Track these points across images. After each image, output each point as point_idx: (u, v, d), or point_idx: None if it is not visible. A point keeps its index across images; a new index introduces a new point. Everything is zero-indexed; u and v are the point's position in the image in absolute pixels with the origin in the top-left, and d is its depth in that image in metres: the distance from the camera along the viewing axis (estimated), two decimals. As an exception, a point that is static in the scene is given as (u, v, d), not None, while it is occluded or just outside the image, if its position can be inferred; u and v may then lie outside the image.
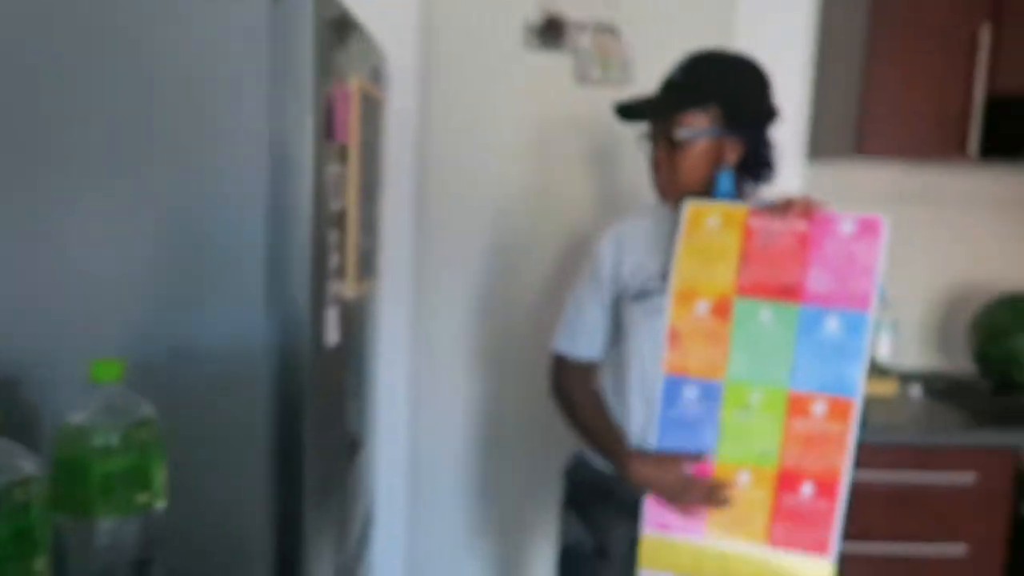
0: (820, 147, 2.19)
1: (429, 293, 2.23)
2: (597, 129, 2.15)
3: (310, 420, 1.12)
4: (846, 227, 1.20)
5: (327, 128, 1.15)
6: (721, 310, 1.24)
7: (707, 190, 1.32)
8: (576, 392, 1.41)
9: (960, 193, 2.29)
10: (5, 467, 0.69)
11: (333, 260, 1.20)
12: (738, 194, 1.33)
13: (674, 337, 1.26)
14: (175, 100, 1.06)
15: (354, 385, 1.47)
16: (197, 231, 1.08)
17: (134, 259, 1.08)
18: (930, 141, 1.97)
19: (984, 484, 1.80)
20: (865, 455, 1.78)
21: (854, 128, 1.98)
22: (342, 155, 1.23)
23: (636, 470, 1.27)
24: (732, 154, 1.31)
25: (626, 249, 1.37)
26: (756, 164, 1.34)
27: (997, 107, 1.93)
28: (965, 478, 1.79)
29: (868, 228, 1.20)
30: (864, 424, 1.19)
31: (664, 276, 1.30)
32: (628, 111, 1.35)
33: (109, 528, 0.86)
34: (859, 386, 1.19)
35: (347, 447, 1.43)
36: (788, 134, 2.20)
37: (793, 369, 1.21)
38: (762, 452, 1.23)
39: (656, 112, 1.32)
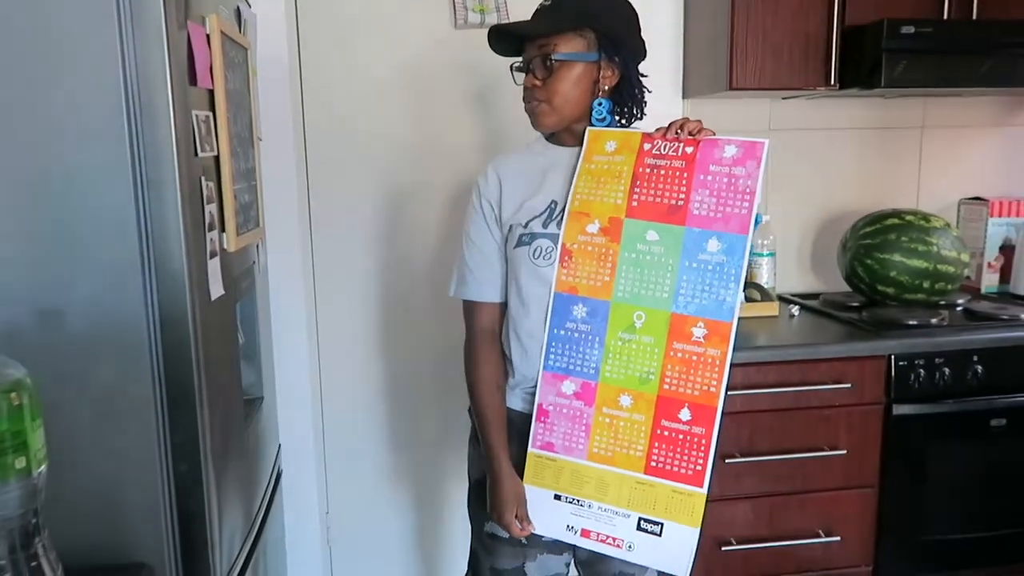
0: (694, 85, 2.27)
1: (321, 246, 2.19)
2: (477, 72, 2.15)
3: (200, 374, 1.09)
4: (729, 150, 1.22)
5: (189, 74, 1.10)
6: (611, 231, 1.26)
7: (583, 119, 1.33)
8: (481, 361, 1.38)
9: (825, 121, 2.42)
10: None
11: (210, 211, 1.16)
12: (612, 125, 1.34)
13: (565, 255, 1.28)
14: (15, 46, 0.99)
15: (247, 340, 1.43)
16: (57, 188, 1.02)
17: (-12, 221, 1.01)
18: (795, 74, 2.07)
19: (860, 391, 1.94)
20: (751, 374, 1.90)
21: (725, 65, 2.06)
22: (209, 102, 1.19)
23: (501, 487, 1.33)
24: (607, 82, 1.31)
25: (506, 182, 1.36)
26: (630, 98, 1.34)
27: (852, 38, 2.04)
28: (843, 387, 1.92)
29: (750, 151, 1.22)
30: (735, 348, 1.23)
31: (549, 217, 1.31)
32: (503, 35, 1.33)
33: (-15, 496, 0.82)
34: (736, 309, 1.22)
35: (245, 403, 1.40)
36: (664, 74, 2.27)
37: (676, 291, 1.23)
38: (644, 375, 1.25)
39: (533, 30, 1.29)
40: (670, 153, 1.25)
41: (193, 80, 1.11)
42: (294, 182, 2.11)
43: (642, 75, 1.36)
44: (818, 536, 1.99)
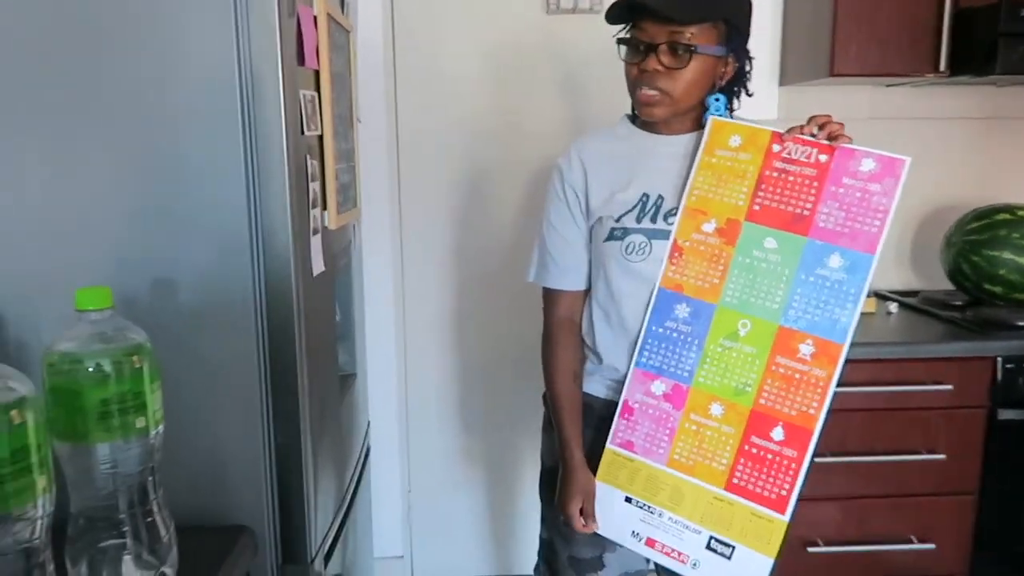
0: (793, 71, 2.19)
1: (409, 227, 2.22)
2: (566, 58, 2.14)
3: (301, 348, 1.12)
4: (866, 164, 1.15)
5: (298, 54, 1.12)
6: (728, 232, 1.20)
7: (691, 111, 1.26)
8: (559, 349, 1.34)
9: (931, 110, 2.31)
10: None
11: (314, 189, 1.18)
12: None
13: (676, 251, 1.23)
14: (137, 31, 1.03)
15: (342, 318, 1.46)
16: (172, 163, 1.06)
17: (112, 194, 1.06)
18: (901, 59, 1.97)
19: (961, 393, 1.85)
20: (848, 372, 1.83)
21: (826, 50, 1.98)
22: (315, 83, 1.21)
23: (571, 478, 1.29)
24: (725, 76, 1.25)
25: (591, 169, 1.29)
26: (737, 90, 1.30)
27: (964, 21, 1.94)
28: (943, 389, 1.84)
29: (889, 168, 1.14)
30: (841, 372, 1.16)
31: (642, 211, 1.25)
32: (629, 7, 1.19)
33: (109, 453, 0.86)
34: (851, 332, 1.15)
35: (340, 379, 1.43)
36: (762, 59, 2.20)
37: (788, 303, 1.17)
38: (740, 386, 1.19)
39: (680, 15, 1.17)
40: (801, 159, 1.19)
41: (301, 60, 1.13)
42: (386, 164, 2.14)
43: (751, 65, 1.29)
44: (910, 542, 1.91)
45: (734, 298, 1.20)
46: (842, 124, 1.18)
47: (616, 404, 1.29)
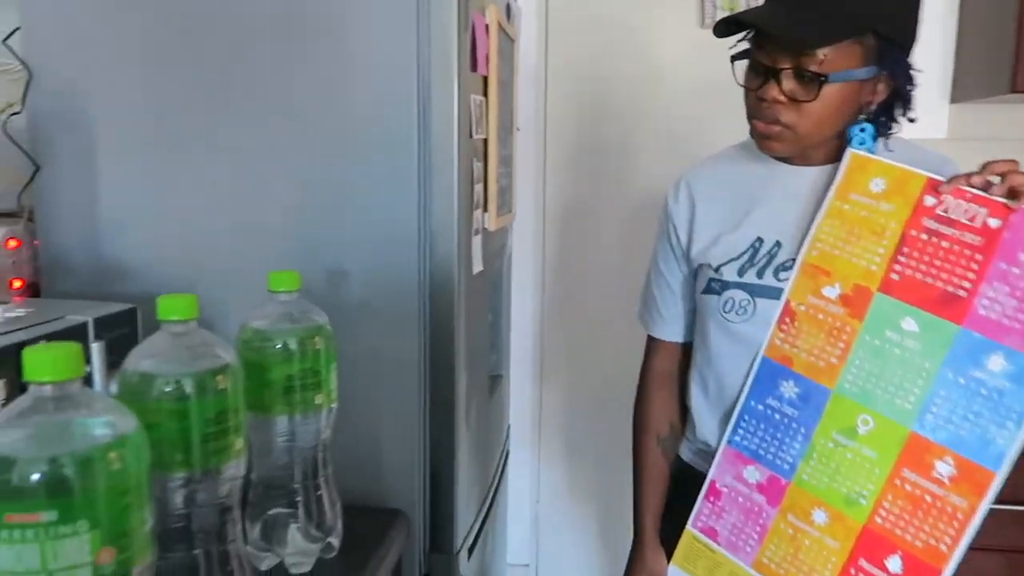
0: (967, 85, 2.05)
1: (553, 239, 2.25)
2: (723, 74, 2.10)
3: (459, 344, 1.16)
4: None
5: (471, 60, 1.17)
6: (855, 301, 0.96)
7: (827, 142, 1.02)
8: (648, 407, 1.19)
9: None
10: (208, 355, 0.75)
11: (477, 190, 1.22)
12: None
13: (787, 315, 1.00)
14: (327, 39, 1.11)
15: (493, 319, 1.50)
16: (352, 161, 1.12)
17: (293, 191, 1.14)
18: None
19: None
20: None
21: (1008, 63, 1.84)
22: (483, 88, 1.26)
23: (639, 557, 1.17)
24: (877, 97, 0.99)
25: (700, 205, 1.10)
26: (892, 116, 1.03)
27: None
28: None
29: None
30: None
31: (750, 262, 1.04)
32: (740, 26, 0.98)
33: (288, 426, 0.92)
34: (1009, 458, 0.89)
35: (489, 378, 1.47)
36: (929, 72, 2.07)
37: (925, 405, 0.92)
38: (852, 495, 0.96)
39: (805, 39, 0.93)
40: (963, 219, 0.92)
41: (474, 66, 1.18)
42: (534, 173, 2.18)
43: (913, 82, 1.01)
44: (1090, 605, 1.72)
45: (855, 386, 0.96)
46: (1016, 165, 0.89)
47: (696, 471, 1.13)
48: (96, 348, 0.85)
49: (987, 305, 0.89)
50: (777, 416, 1.01)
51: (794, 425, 1.00)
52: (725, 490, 1.06)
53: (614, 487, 2.34)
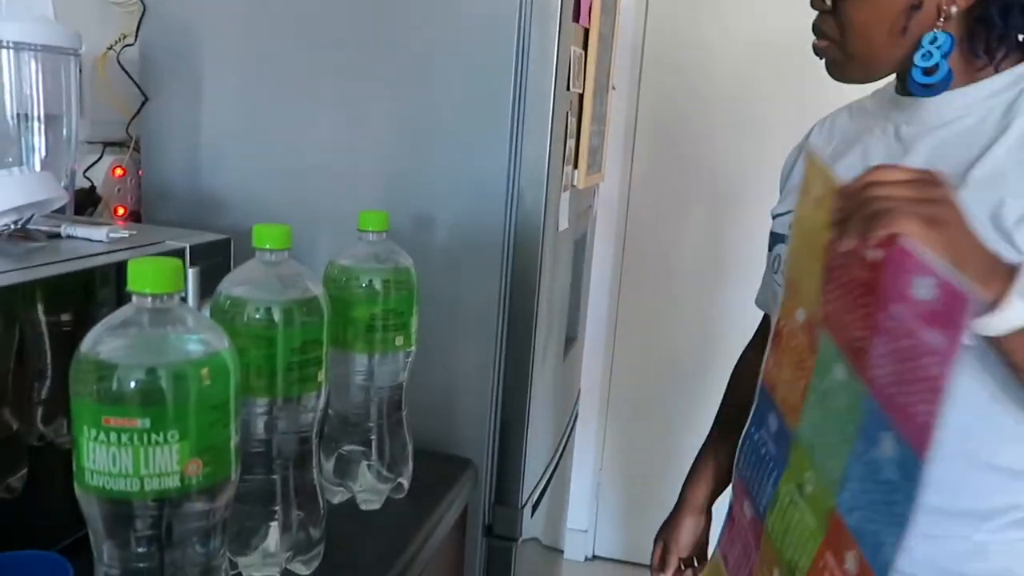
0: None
1: (636, 207, 2.20)
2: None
3: (539, 299, 1.15)
4: (922, 288, 0.56)
5: (574, 10, 1.14)
6: (810, 332, 0.74)
7: (903, 63, 0.77)
8: (742, 360, 1.09)
9: None
10: (298, 285, 0.76)
11: (569, 146, 1.20)
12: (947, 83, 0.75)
13: (776, 336, 0.81)
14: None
15: (574, 279, 1.48)
16: (448, 109, 1.12)
17: (388, 138, 1.14)
18: None
19: None
20: None
21: None
22: (583, 41, 1.22)
23: (675, 517, 1.07)
24: (953, 2, 0.73)
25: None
26: (997, 25, 0.73)
27: None
28: None
29: (949, 301, 0.53)
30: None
31: None
32: None
33: (367, 364, 0.93)
34: (891, 567, 0.59)
35: (565, 339, 1.46)
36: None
37: (844, 476, 0.67)
38: (792, 563, 0.74)
39: None
40: (855, 245, 0.63)
41: (576, 16, 1.15)
42: (623, 135, 2.14)
43: None
44: None
45: (808, 435, 0.74)
46: (924, 180, 0.60)
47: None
48: (192, 273, 0.87)
49: (880, 365, 0.62)
50: (762, 451, 0.83)
51: (771, 466, 0.80)
52: (734, 520, 0.91)
53: (676, 464, 2.31)
